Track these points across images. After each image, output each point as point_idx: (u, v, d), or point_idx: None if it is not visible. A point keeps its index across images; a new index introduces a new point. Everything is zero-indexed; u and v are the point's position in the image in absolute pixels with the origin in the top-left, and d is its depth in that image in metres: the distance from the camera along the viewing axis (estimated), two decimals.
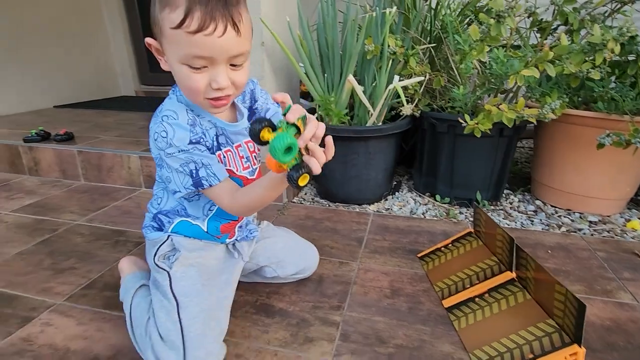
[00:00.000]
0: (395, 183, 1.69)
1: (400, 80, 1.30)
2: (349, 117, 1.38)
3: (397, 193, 1.62)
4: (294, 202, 1.53)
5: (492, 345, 0.72)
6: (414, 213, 1.43)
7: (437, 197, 1.50)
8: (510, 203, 1.50)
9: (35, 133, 1.78)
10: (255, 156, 0.80)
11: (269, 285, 0.95)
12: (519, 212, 1.43)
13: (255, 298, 0.91)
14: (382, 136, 1.40)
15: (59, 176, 1.76)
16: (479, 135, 1.21)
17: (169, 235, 0.77)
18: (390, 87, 1.29)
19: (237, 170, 0.75)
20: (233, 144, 0.74)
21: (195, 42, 0.55)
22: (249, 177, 0.79)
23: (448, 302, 0.87)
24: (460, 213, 1.41)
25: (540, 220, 1.35)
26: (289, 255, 0.94)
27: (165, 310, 0.69)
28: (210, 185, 0.67)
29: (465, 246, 1.01)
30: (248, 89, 0.79)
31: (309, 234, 1.23)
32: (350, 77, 1.29)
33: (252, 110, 0.80)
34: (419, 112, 1.43)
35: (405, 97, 1.38)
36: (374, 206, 1.50)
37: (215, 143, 0.71)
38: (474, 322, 0.79)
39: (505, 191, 1.58)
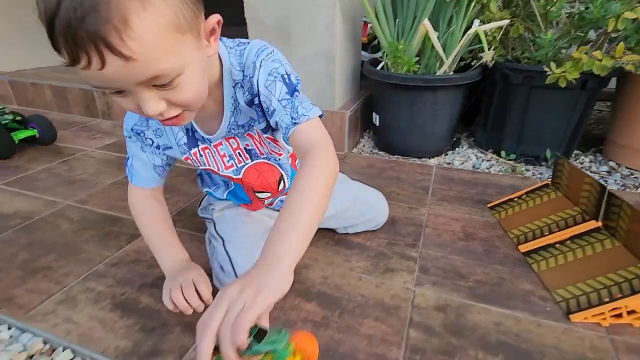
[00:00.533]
0: (454, 139, 1.66)
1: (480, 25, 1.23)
2: (418, 66, 1.34)
3: (457, 149, 1.60)
4: (353, 153, 1.55)
5: (576, 285, 0.73)
6: (476, 168, 1.41)
7: (502, 153, 1.46)
8: (581, 163, 1.44)
9: None
10: (240, 153, 0.71)
11: None
12: (591, 172, 1.37)
13: (332, 233, 0.96)
14: (452, 86, 1.36)
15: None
16: (563, 85, 1.14)
17: (206, 191, 0.85)
18: (470, 32, 1.23)
19: (218, 169, 0.72)
20: (211, 142, 0.68)
21: (85, 75, 0.41)
22: (234, 177, 0.73)
23: (525, 248, 0.88)
24: (527, 170, 1.38)
25: (615, 180, 1.29)
26: (357, 217, 0.92)
27: (218, 246, 0.76)
28: (130, 181, 0.74)
29: (542, 197, 1.00)
30: (247, 76, 0.59)
31: (373, 181, 1.26)
32: (426, 22, 1.24)
33: (253, 105, 0.62)
34: (492, 62, 1.37)
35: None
36: (434, 160, 1.49)
37: (184, 140, 0.68)
38: (555, 265, 0.80)
39: (575, 152, 1.51)
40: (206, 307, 0.64)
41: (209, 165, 0.72)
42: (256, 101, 0.61)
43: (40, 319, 0.69)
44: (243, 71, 0.59)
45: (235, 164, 0.72)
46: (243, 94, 0.61)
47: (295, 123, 0.57)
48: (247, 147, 0.71)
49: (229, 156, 0.71)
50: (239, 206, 0.84)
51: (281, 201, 0.84)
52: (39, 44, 2.42)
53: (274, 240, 0.46)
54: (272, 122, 0.61)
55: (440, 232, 0.97)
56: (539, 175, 1.33)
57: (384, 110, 1.50)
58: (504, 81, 1.37)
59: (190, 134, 0.67)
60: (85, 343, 0.64)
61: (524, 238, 0.91)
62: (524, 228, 0.94)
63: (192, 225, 0.99)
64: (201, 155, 0.70)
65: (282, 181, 0.78)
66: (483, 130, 1.56)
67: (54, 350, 0.65)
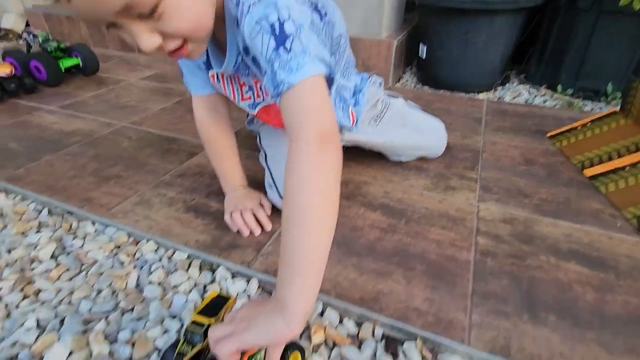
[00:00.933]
0: (505, 75, 1.57)
1: None
2: None
3: (506, 84, 1.52)
4: (396, 87, 1.50)
5: None
6: (529, 103, 1.34)
7: (558, 88, 1.38)
8: None
9: None
10: (261, 87, 0.63)
11: None
12: None
13: (383, 156, 0.95)
14: (511, 12, 1.26)
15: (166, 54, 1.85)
16: (638, 7, 1.04)
17: None
18: None
19: (234, 99, 0.66)
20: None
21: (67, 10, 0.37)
22: (249, 110, 0.70)
23: (591, 172, 0.86)
24: (585, 105, 1.30)
25: None
26: (411, 149, 0.90)
27: (262, 161, 0.78)
28: (190, 93, 0.71)
29: (609, 124, 0.95)
30: (240, 18, 0.47)
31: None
32: None
33: (249, 55, 0.53)
34: None
35: None
36: (482, 95, 1.43)
37: (204, 59, 0.60)
38: (626, 186, 0.78)
39: None
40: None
41: (226, 92, 0.66)
42: (250, 53, 0.50)
43: (122, 217, 0.74)
44: (238, 9, 0.47)
45: (253, 96, 0.65)
46: (242, 38, 0.49)
47: (278, 92, 0.43)
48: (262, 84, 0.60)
49: (249, 86, 0.64)
50: None
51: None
52: None
53: (281, 283, 0.40)
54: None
55: (499, 158, 0.94)
56: (598, 110, 1.26)
57: (433, 40, 1.41)
58: (569, 6, 1.26)
59: (206, 56, 0.60)
60: (166, 236, 0.68)
61: (589, 163, 0.88)
62: (590, 154, 0.90)
63: (245, 145, 1.00)
64: (218, 80, 0.64)
65: None
66: (537, 63, 1.46)
67: (137, 242, 0.69)
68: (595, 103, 1.32)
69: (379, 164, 0.92)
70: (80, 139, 1.04)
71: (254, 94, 0.65)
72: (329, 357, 0.49)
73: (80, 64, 1.52)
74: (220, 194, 0.80)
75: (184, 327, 0.51)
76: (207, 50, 0.59)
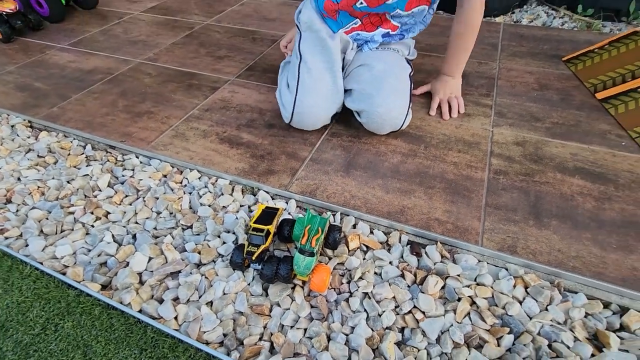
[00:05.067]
0: None
1: None
2: None
3: (524, 6, 1.46)
4: None
5: None
6: (547, 26, 1.31)
7: (579, 8, 1.33)
8: None
9: None
10: None
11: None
12: None
13: None
14: None
15: None
16: None
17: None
18: None
19: None
20: None
21: None
22: None
23: (602, 95, 0.89)
24: (604, 26, 1.27)
25: None
26: (356, 83, 0.80)
27: (292, 64, 0.81)
28: None
29: (627, 45, 0.95)
30: None
31: (437, 38, 1.21)
32: None
33: None
34: None
35: None
36: (499, 19, 1.39)
37: None
38: (635, 107, 0.82)
39: None
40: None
41: None
42: None
43: (163, 149, 0.80)
44: None
45: None
46: None
47: None
48: None
49: None
50: (324, 22, 0.82)
51: (355, 38, 0.84)
52: None
53: (451, 66, 0.86)
54: None
55: (514, 84, 0.97)
56: (617, 32, 1.23)
57: None
58: None
59: None
60: (208, 165, 0.75)
61: (602, 86, 0.91)
62: (604, 77, 0.92)
63: (265, 79, 1.02)
64: None
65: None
66: None
67: (181, 172, 0.76)
68: (614, 24, 1.28)
69: None
70: (101, 76, 1.06)
71: None
72: (363, 258, 0.59)
73: None
74: (249, 126, 0.85)
75: (246, 235, 0.61)
76: None
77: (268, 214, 0.57)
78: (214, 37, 1.26)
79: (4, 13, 1.25)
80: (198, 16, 1.43)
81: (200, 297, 0.54)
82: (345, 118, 0.85)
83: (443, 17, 1.37)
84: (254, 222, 0.55)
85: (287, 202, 0.69)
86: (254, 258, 0.53)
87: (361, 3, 0.76)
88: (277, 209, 0.57)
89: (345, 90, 0.82)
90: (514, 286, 0.54)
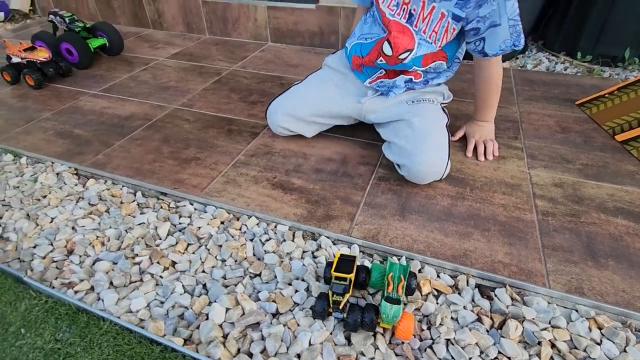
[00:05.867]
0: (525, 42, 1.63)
1: None
2: None
3: (526, 52, 1.59)
4: None
5: None
6: (551, 70, 1.42)
7: (578, 55, 1.45)
8: None
9: None
10: (404, 8, 0.78)
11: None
12: None
13: None
14: None
15: (183, 29, 1.82)
16: None
17: (345, 46, 0.96)
18: None
19: (385, 8, 0.80)
20: None
21: None
22: (387, 16, 0.80)
23: (622, 137, 0.96)
24: (603, 71, 1.39)
25: None
26: (397, 138, 0.84)
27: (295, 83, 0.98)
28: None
29: (636, 91, 1.04)
30: None
31: (455, 84, 1.29)
32: None
33: None
34: None
35: None
36: (506, 63, 1.50)
37: None
38: None
39: None
40: None
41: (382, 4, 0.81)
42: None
43: (217, 195, 0.81)
44: None
45: (396, 9, 0.80)
46: None
47: (514, 46, 0.76)
48: (412, 12, 0.78)
49: (396, 3, 0.79)
50: (347, 63, 0.94)
51: (378, 85, 0.89)
52: None
53: (485, 112, 0.93)
54: (479, 28, 0.75)
55: (537, 127, 1.04)
56: (616, 77, 1.35)
57: None
58: None
59: None
60: (265, 211, 0.77)
61: (619, 129, 0.98)
62: (619, 120, 1.00)
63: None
64: None
65: (408, 53, 0.80)
66: (557, 30, 1.52)
67: (238, 218, 0.77)
68: (613, 69, 1.40)
69: None
70: (140, 122, 1.08)
71: (397, 8, 0.79)
72: (437, 302, 0.60)
73: (107, 44, 1.51)
74: (297, 171, 0.88)
75: (326, 283, 0.61)
76: None
77: (346, 262, 0.58)
78: (243, 83, 1.31)
79: (38, 61, 1.28)
80: (222, 62, 1.49)
81: (288, 349, 0.54)
82: (389, 162, 0.89)
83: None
84: (335, 271, 0.57)
85: (349, 247, 0.70)
86: (340, 307, 0.54)
87: (381, 60, 0.83)
88: (354, 257, 0.59)
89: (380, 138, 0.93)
90: (590, 328, 0.56)
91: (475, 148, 0.94)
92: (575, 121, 1.06)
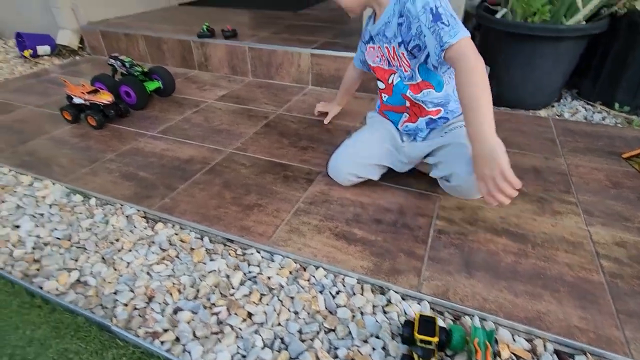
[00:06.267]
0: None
1: None
2: (549, 15, 1.33)
3: (561, 100, 1.62)
4: None
5: None
6: (589, 120, 1.45)
7: (616, 105, 1.48)
8: None
9: (207, 29, 1.91)
10: (389, 60, 0.93)
11: None
12: None
13: None
14: (578, 37, 1.36)
15: (228, 72, 1.93)
16: None
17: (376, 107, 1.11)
18: None
19: (374, 61, 0.99)
20: (375, 43, 0.95)
21: None
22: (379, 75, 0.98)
23: None
24: None
25: None
26: (446, 157, 0.90)
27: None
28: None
29: None
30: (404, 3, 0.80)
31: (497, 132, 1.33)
32: None
33: (400, 27, 0.85)
34: (624, 10, 1.34)
35: None
36: (543, 112, 1.53)
37: (367, 37, 0.99)
38: None
39: None
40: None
41: (370, 58, 0.99)
42: (403, 24, 0.83)
43: (283, 244, 0.84)
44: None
45: (379, 60, 0.97)
46: (399, 14, 0.84)
47: (442, 49, 0.75)
48: (388, 58, 0.93)
49: (379, 57, 0.97)
50: (382, 112, 1.07)
51: (405, 130, 1.01)
52: None
53: (482, 125, 0.71)
54: (418, 44, 0.82)
55: (587, 181, 1.05)
56: None
57: (497, 61, 1.51)
58: (628, 30, 1.36)
59: (368, 35, 0.97)
60: (332, 262, 0.79)
61: None
62: None
63: None
64: (370, 49, 0.98)
65: (392, 75, 0.95)
66: (593, 81, 1.56)
67: (305, 268, 0.79)
68: None
69: None
70: (200, 166, 1.14)
71: (380, 64, 0.96)
72: None
73: (161, 87, 1.61)
74: (358, 221, 0.91)
75: (407, 345, 0.62)
76: (368, 33, 0.96)
77: (428, 323, 0.59)
78: (291, 127, 1.37)
79: (101, 104, 1.37)
80: (268, 105, 1.57)
81: None
82: (446, 215, 0.91)
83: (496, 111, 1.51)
84: (419, 333, 0.58)
85: (419, 303, 0.71)
86: None
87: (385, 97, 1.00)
88: (434, 318, 0.60)
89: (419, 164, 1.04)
90: None
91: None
92: (624, 176, 1.07)
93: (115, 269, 0.79)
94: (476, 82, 0.71)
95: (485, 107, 0.71)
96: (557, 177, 1.07)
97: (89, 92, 1.39)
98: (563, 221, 0.90)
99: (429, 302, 0.71)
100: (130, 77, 1.54)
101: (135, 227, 0.92)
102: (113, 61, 1.58)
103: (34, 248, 0.86)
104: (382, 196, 1.00)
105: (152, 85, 1.57)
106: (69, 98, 1.42)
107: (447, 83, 0.91)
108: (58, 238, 0.88)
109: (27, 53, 2.19)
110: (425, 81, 0.89)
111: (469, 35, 0.73)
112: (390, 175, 1.05)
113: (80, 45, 2.34)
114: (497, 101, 1.57)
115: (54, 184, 1.08)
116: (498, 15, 1.46)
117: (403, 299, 0.72)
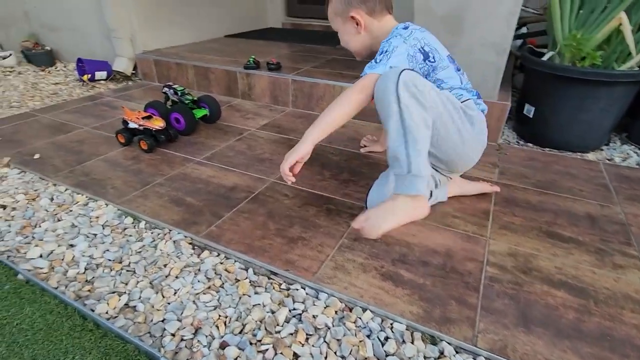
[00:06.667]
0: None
1: None
2: (601, 60, 1.31)
3: (610, 144, 1.56)
4: (503, 144, 1.57)
5: None
6: None
7: None
8: None
9: (253, 61, 2.01)
10: None
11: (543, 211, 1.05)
12: None
13: (538, 225, 1.02)
14: (631, 82, 1.32)
15: (269, 101, 2.01)
16: None
17: None
18: None
19: None
20: None
21: None
22: None
23: None
24: None
25: None
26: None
27: None
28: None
29: None
30: None
31: (544, 174, 1.29)
32: (623, 14, 1.20)
33: None
34: None
35: None
36: (591, 155, 1.47)
37: None
38: None
39: None
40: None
41: None
42: None
43: (329, 282, 0.83)
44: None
45: None
46: None
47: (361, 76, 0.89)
48: None
49: None
50: None
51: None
52: (175, 24, 2.62)
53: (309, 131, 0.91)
54: None
55: None
56: None
57: (543, 102, 1.49)
58: None
59: None
60: (380, 305, 0.77)
61: None
62: None
63: None
64: None
65: None
66: None
67: (351, 309, 0.78)
68: None
69: (533, 233, 0.98)
70: (244, 195, 1.16)
71: None
72: None
73: (208, 115, 1.68)
74: (404, 262, 0.89)
75: None
76: None
77: None
78: (332, 160, 1.39)
79: (154, 129, 1.45)
80: None
81: None
82: (497, 261, 0.88)
83: (542, 152, 1.47)
84: None
85: (474, 359, 0.67)
86: None
87: None
88: None
89: None
90: None
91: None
92: None
93: (163, 296, 0.80)
94: (335, 102, 0.91)
95: (320, 120, 0.91)
96: (615, 227, 1.01)
97: (143, 118, 1.47)
98: (626, 276, 0.84)
99: (485, 357, 0.67)
100: (180, 104, 1.63)
101: (182, 253, 0.93)
102: (167, 89, 1.68)
103: (86, 268, 0.89)
104: (428, 236, 0.97)
105: (199, 113, 1.65)
106: (125, 122, 1.50)
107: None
108: (110, 260, 0.91)
109: (85, 77, 2.36)
110: None
111: (377, 73, 0.85)
112: (435, 215, 1.03)
113: (134, 72, 2.51)
114: (542, 142, 1.53)
115: (107, 205, 1.13)
116: (545, 58, 1.45)
117: (457, 352, 0.69)
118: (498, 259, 0.89)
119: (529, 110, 1.55)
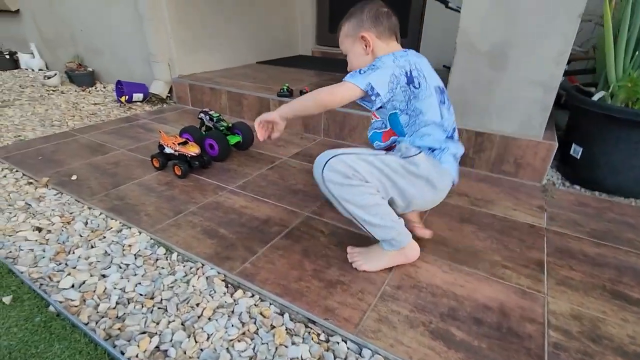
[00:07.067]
0: None
1: None
2: None
3: None
4: (544, 185, 1.48)
5: None
6: None
7: None
8: None
9: (287, 89, 2.02)
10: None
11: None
12: None
13: (600, 291, 0.92)
14: None
15: (300, 129, 2.00)
16: None
17: None
18: None
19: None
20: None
21: None
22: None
23: None
24: None
25: None
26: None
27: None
28: None
29: None
30: None
31: (598, 222, 1.19)
32: None
33: None
34: None
35: None
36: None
37: None
38: None
39: None
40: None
41: None
42: None
43: (373, 337, 0.76)
44: None
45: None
46: None
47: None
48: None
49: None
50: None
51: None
52: (209, 49, 2.71)
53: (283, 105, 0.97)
54: None
55: None
56: None
57: (593, 143, 1.40)
58: None
59: None
60: None
61: None
62: None
63: (440, 253, 1.02)
64: None
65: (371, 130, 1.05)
66: None
67: None
68: None
69: (598, 291, 0.89)
70: (278, 229, 1.12)
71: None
72: None
73: (241, 141, 1.68)
74: (454, 318, 0.81)
75: None
76: None
77: None
78: None
79: (189, 155, 1.45)
80: None
81: None
82: (560, 324, 0.79)
83: (591, 196, 1.38)
84: None
85: None
86: None
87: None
88: None
89: None
90: None
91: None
92: None
93: (196, 341, 0.75)
94: (309, 94, 0.93)
95: (293, 102, 0.96)
96: None
97: (179, 144, 1.48)
98: None
99: None
100: (215, 131, 1.64)
101: (215, 291, 0.89)
102: (203, 115, 1.69)
103: (117, 303, 0.86)
104: (477, 288, 0.90)
105: (233, 139, 1.65)
106: (161, 147, 1.51)
107: (408, 134, 0.94)
108: (141, 294, 0.88)
109: (123, 99, 2.44)
110: (391, 129, 0.97)
111: (357, 85, 0.85)
112: (483, 264, 0.96)
113: (169, 95, 2.58)
114: (591, 184, 1.44)
115: (140, 233, 1.11)
116: (595, 98, 1.38)
117: None
118: (561, 322, 0.80)
119: (576, 150, 1.47)
